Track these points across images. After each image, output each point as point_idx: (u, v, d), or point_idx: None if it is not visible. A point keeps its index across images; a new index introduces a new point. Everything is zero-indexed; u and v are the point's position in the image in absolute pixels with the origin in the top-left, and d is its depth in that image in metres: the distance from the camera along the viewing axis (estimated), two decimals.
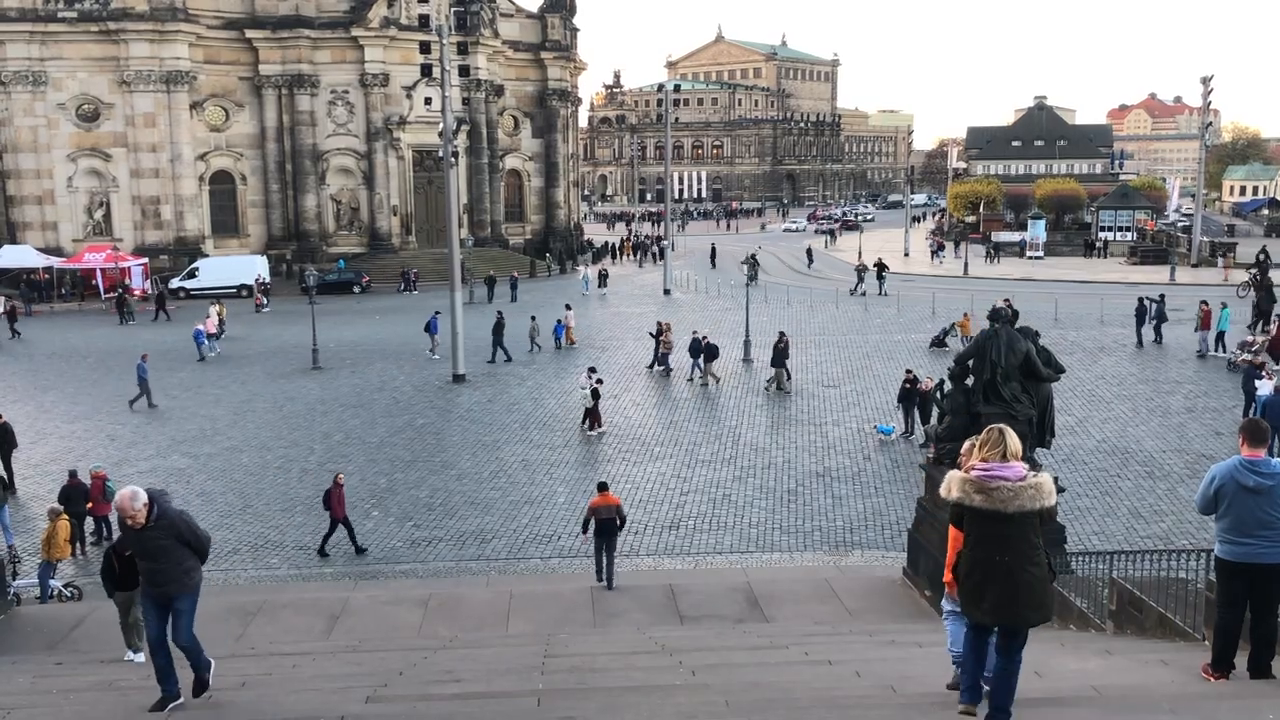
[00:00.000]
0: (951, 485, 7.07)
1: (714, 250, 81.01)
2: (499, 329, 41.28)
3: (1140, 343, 40.44)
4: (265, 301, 57.87)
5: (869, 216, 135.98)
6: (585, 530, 18.66)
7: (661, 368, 38.04)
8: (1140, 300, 41.34)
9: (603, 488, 19.25)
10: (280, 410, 33.87)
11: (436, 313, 43.00)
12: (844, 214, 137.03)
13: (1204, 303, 38.91)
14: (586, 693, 9.51)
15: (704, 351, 36.00)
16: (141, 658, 12.12)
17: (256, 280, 60.97)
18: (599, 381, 31.03)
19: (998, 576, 6.84)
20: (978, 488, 6.91)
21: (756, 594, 17.08)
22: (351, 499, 24.64)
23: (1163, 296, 42.08)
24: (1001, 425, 7.19)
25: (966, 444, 7.86)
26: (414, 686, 10.53)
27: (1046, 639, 12.59)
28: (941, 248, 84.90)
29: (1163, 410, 31.11)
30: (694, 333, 38.07)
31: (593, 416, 30.09)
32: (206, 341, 42.63)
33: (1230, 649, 8.40)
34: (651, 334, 39.64)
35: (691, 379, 36.41)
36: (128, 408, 33.81)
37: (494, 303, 56.44)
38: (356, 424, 31.89)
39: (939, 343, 41.70)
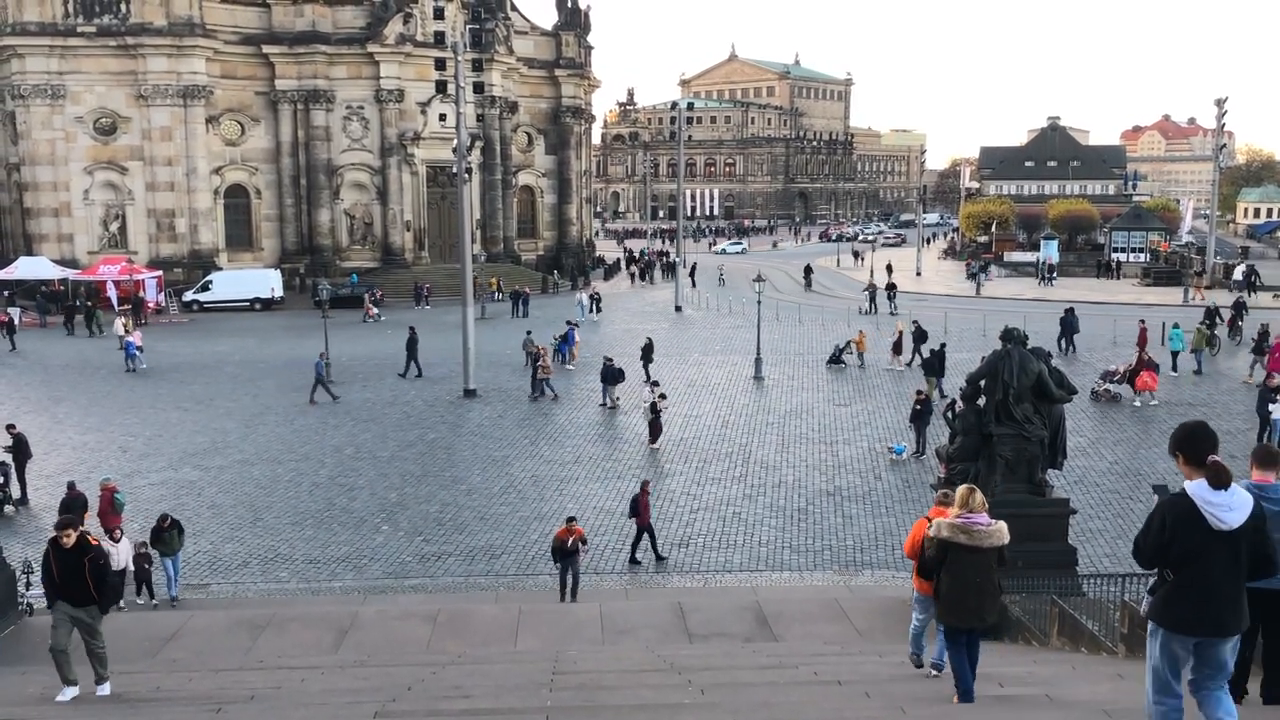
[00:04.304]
0: (942, 528, 9.64)
1: (693, 267, 78.30)
2: (412, 343, 41.12)
3: (1061, 350, 42.72)
4: (377, 312, 58.26)
5: (870, 236, 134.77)
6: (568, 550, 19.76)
7: (537, 394, 36.78)
8: (1065, 312, 44.30)
9: (571, 519, 20.15)
10: (291, 424, 33.96)
11: (573, 324, 44.31)
12: (860, 232, 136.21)
13: (1141, 321, 40.56)
14: (595, 710, 9.49)
15: (611, 375, 35.21)
16: (72, 694, 11.07)
17: (369, 292, 61.57)
18: (661, 396, 31.07)
19: (970, 593, 9.51)
20: (962, 529, 9.53)
21: (766, 613, 17.02)
22: (361, 513, 24.78)
23: (1072, 309, 44.95)
24: (971, 485, 10.04)
25: (941, 494, 11.59)
26: (422, 702, 10.52)
27: (1057, 661, 12.53)
28: (983, 270, 77.03)
29: None
30: (604, 358, 36.90)
31: (653, 429, 30.21)
32: (137, 354, 43.08)
33: (1243, 675, 8.34)
34: (530, 359, 38.74)
35: (604, 404, 35.44)
36: (308, 403, 36.24)
37: (519, 318, 56.63)
38: (367, 438, 31.95)
39: (835, 360, 41.44)
